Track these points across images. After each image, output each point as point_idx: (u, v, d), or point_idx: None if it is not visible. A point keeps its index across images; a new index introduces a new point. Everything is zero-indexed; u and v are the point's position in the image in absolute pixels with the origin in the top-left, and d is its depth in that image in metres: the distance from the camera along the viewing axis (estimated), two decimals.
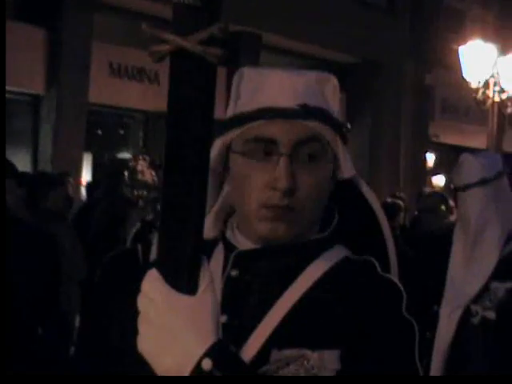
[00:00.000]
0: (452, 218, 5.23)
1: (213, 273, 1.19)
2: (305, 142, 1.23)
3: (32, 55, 9.62)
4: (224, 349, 1.07)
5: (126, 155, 11.18)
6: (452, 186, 3.09)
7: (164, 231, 1.05)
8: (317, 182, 1.23)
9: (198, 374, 1.04)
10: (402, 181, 13.85)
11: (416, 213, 7.64)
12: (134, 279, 1.12)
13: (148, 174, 8.73)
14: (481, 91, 11.06)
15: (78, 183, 9.57)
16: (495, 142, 11.64)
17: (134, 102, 10.80)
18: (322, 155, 1.24)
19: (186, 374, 1.05)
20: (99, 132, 11.39)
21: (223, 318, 1.19)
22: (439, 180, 15.64)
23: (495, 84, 11.15)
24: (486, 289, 2.83)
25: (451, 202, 5.37)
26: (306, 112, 1.22)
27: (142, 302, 1.07)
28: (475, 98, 11.13)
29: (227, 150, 1.28)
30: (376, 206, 1.36)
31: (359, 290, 1.21)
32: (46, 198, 5.36)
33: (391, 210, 6.19)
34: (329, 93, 1.28)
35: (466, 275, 2.87)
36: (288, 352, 1.16)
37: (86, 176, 10.49)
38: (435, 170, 15.56)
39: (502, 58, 11.16)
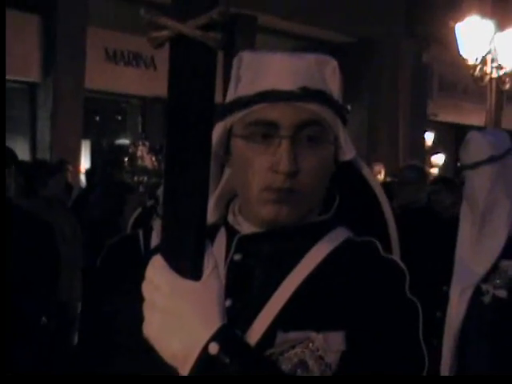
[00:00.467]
0: (425, 189, 5.19)
1: (216, 257, 1.19)
2: (306, 125, 1.23)
3: (27, 43, 9.59)
4: (230, 333, 1.08)
5: (124, 141, 11.18)
6: (459, 164, 3.07)
7: (167, 217, 1.05)
8: (318, 164, 1.23)
9: (204, 358, 1.05)
10: (401, 160, 13.84)
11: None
12: (135, 265, 1.12)
13: (148, 160, 8.74)
14: (478, 68, 11.01)
15: (77, 170, 9.56)
16: (494, 119, 11.61)
17: (131, 87, 10.78)
18: (323, 137, 1.24)
19: (193, 358, 1.05)
20: (97, 118, 11.37)
21: (227, 302, 1.19)
22: (439, 159, 15.63)
23: (493, 60, 11.10)
24: (495, 267, 2.82)
25: (427, 173, 5.34)
26: (306, 95, 1.22)
27: (147, 289, 1.07)
28: (473, 75, 11.09)
29: (228, 134, 1.28)
30: (377, 187, 1.37)
31: (362, 271, 1.21)
32: (45, 186, 5.36)
33: (391, 190, 6.18)
34: (328, 75, 1.28)
35: (474, 254, 2.86)
36: (293, 334, 1.17)
37: (85, 163, 10.48)
38: (434, 149, 15.55)
39: (500, 34, 11.10)
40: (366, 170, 1.36)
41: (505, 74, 11.26)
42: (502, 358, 2.79)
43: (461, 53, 11.02)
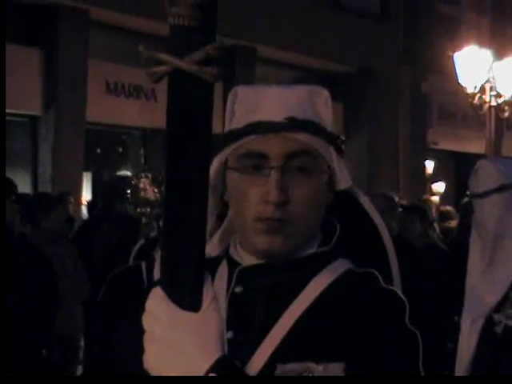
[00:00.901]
0: (396, 218, 5.18)
1: (218, 289, 1.19)
2: (295, 155, 1.24)
3: (28, 76, 9.66)
4: (229, 364, 1.08)
5: (125, 173, 11.21)
6: (468, 192, 3.05)
7: (166, 248, 1.05)
8: (310, 194, 1.24)
9: None
10: (401, 189, 13.85)
11: None
12: (138, 297, 1.12)
13: (150, 192, 8.78)
14: (477, 96, 11.08)
15: (79, 202, 9.58)
16: (494, 147, 11.65)
17: (132, 119, 10.84)
18: (314, 167, 1.25)
19: None
20: (98, 150, 11.41)
21: (229, 334, 1.19)
22: (439, 187, 15.65)
23: (491, 89, 11.17)
24: (506, 297, 2.79)
25: (397, 200, 5.35)
26: (294, 125, 1.23)
27: (146, 320, 1.08)
28: (472, 104, 11.15)
29: (224, 167, 1.30)
30: (375, 216, 1.37)
31: (362, 303, 1.22)
32: (47, 218, 5.37)
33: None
34: (320, 105, 1.29)
35: (485, 284, 2.83)
36: (293, 366, 1.17)
37: (87, 195, 10.50)
38: (435, 177, 15.57)
39: (498, 63, 11.19)
40: (363, 199, 1.37)
41: (504, 102, 11.33)
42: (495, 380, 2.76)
43: (460, 82, 11.09)
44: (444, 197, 15.21)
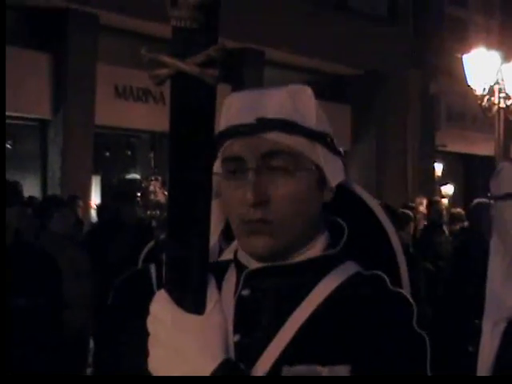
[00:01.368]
0: None
1: (226, 292, 1.20)
2: (272, 155, 1.23)
3: (38, 80, 9.70)
4: (232, 367, 1.08)
5: (134, 176, 11.23)
6: (489, 194, 3.03)
7: (170, 252, 1.06)
8: (291, 192, 1.23)
9: None
10: (410, 191, 13.82)
11: (425, 223, 7.65)
12: (146, 300, 1.12)
13: (160, 194, 8.80)
14: (486, 98, 11.06)
15: (88, 206, 9.61)
16: (503, 149, 11.62)
17: (141, 122, 10.86)
18: (295, 166, 1.24)
19: None
20: (107, 154, 11.44)
21: (236, 337, 1.20)
22: (448, 189, 15.61)
23: (500, 90, 11.15)
24: None
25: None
26: (264, 125, 1.23)
27: (151, 324, 1.08)
28: (481, 105, 11.13)
29: None
30: (383, 218, 1.37)
31: (369, 305, 1.21)
32: (55, 221, 5.38)
33: (400, 221, 6.16)
34: (302, 104, 1.27)
35: (506, 287, 2.81)
36: (299, 368, 1.17)
37: (95, 198, 10.53)
38: (443, 179, 15.53)
39: (506, 65, 11.17)
40: (370, 200, 1.36)
41: None
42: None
43: (469, 83, 11.07)
44: (453, 199, 15.18)
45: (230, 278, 1.29)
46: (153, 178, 9.16)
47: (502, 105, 11.21)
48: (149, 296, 1.12)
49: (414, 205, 8.65)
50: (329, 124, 1.30)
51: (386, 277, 1.26)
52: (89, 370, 5.45)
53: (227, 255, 1.35)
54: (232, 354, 1.15)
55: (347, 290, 1.24)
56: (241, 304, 1.25)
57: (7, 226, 3.21)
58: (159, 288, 1.09)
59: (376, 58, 13.15)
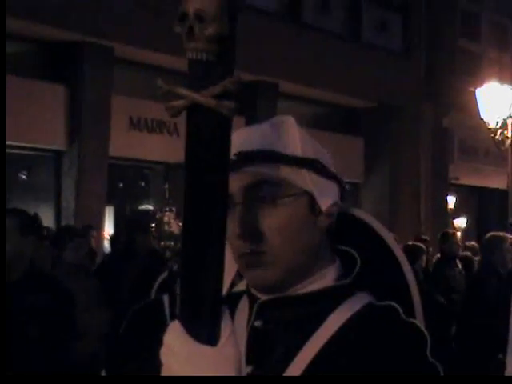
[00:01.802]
0: None
1: (239, 323, 1.20)
2: (254, 187, 1.24)
3: (53, 112, 9.79)
4: None
5: (147, 207, 11.26)
6: (510, 221, 3.02)
7: (184, 282, 1.06)
8: (280, 221, 1.23)
9: None
10: (423, 224, 13.78)
11: (438, 255, 7.61)
12: (159, 331, 1.12)
13: (174, 225, 8.82)
14: (499, 132, 11.06)
15: (101, 236, 9.63)
16: None
17: (155, 154, 10.91)
18: (280, 194, 1.25)
19: None
20: (120, 185, 11.49)
21: (248, 369, 1.20)
22: (461, 222, 15.54)
23: None
24: None
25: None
26: (244, 159, 1.24)
27: (164, 355, 1.08)
28: (494, 139, 11.13)
29: None
30: (396, 248, 1.37)
31: (382, 336, 1.21)
32: (68, 251, 5.40)
33: (413, 253, 6.14)
34: (284, 133, 1.28)
35: None
36: None
37: (109, 229, 10.55)
38: (456, 212, 15.48)
39: None
40: (382, 231, 1.36)
41: None
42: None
43: (482, 117, 11.08)
44: (466, 232, 15.10)
45: (243, 308, 1.30)
46: (167, 209, 9.19)
47: None
48: (162, 326, 1.12)
49: (426, 237, 8.62)
50: (320, 150, 1.30)
51: (399, 307, 1.25)
52: None
53: (240, 287, 1.35)
54: None
55: (360, 320, 1.24)
56: (253, 335, 1.25)
57: (21, 255, 3.23)
58: (172, 319, 1.09)
59: (389, 91, 13.20)
